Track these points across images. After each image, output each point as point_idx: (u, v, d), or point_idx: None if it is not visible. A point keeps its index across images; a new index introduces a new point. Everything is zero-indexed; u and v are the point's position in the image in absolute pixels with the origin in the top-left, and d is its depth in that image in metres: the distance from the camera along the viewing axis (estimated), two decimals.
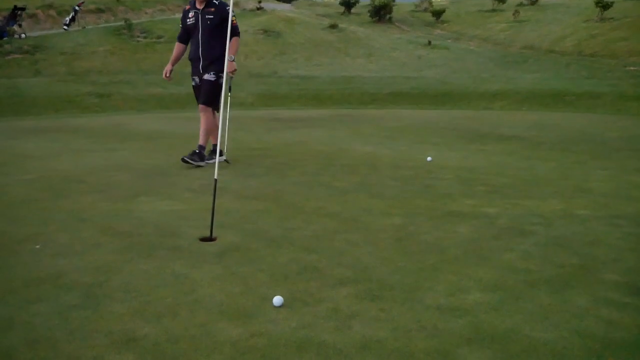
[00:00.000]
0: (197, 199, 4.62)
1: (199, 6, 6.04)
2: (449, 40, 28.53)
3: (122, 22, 23.65)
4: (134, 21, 24.35)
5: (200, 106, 6.14)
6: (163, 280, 2.90)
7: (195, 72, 6.22)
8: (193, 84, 6.34)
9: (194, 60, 6.18)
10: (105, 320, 2.44)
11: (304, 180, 5.41)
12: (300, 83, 18.90)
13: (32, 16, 24.53)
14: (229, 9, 5.67)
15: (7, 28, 21.54)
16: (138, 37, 22.96)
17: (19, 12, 22.24)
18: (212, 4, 6.05)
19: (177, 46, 6.40)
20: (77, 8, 24.76)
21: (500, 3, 36.31)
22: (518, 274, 3.03)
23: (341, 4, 37.66)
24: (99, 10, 26.65)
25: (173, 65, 6.37)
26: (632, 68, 20.33)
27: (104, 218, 4.05)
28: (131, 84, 17.33)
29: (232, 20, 5.61)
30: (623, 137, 8.86)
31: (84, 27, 24.28)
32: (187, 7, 6.22)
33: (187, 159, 5.99)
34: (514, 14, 32.18)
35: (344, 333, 2.35)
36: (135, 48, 21.81)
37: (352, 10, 36.21)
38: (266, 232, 3.74)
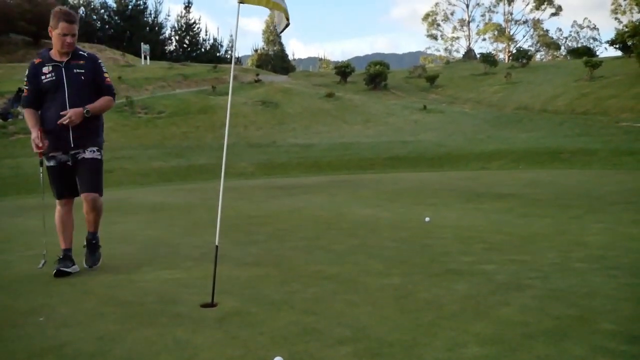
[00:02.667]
0: (198, 267, 4.69)
1: (61, 58, 4.54)
2: (444, 104, 29.17)
3: (124, 100, 24.28)
4: (135, 98, 25.00)
5: (90, 196, 4.61)
6: (165, 346, 2.94)
7: (58, 146, 4.54)
8: (52, 163, 4.61)
9: (56, 130, 4.49)
10: None
11: (303, 245, 5.48)
12: (299, 151, 19.21)
13: None
14: (101, 62, 4.74)
15: (11, 110, 22.14)
16: (139, 113, 23.52)
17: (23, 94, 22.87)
18: (79, 56, 4.60)
19: (30, 114, 4.59)
20: None
21: (492, 66, 37.35)
22: (515, 327, 3.07)
23: (337, 73, 38.76)
24: None
25: (40, 129, 4.49)
26: (624, 124, 20.71)
27: (107, 289, 4.10)
28: (133, 158, 17.64)
29: (106, 78, 4.70)
30: (618, 191, 8.97)
31: None
32: (37, 60, 4.61)
33: (91, 265, 4.76)
34: (506, 77, 33.05)
35: None
36: (136, 124, 22.30)
37: (348, 79, 37.20)
38: (266, 297, 3.79)
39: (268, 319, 3.33)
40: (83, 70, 4.55)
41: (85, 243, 4.88)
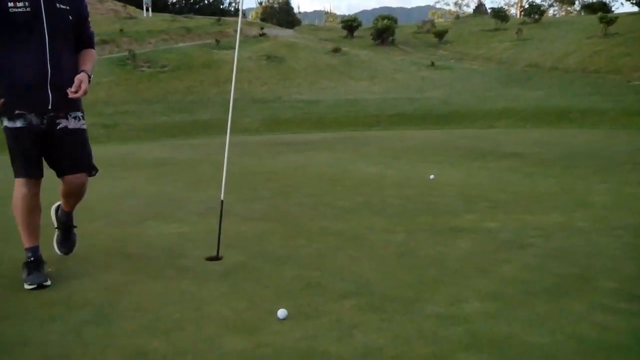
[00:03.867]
0: (203, 221, 4.73)
1: None
2: (452, 61, 28.77)
3: (126, 53, 24.04)
4: (137, 51, 24.72)
5: (79, 178, 3.52)
6: (171, 298, 3.00)
7: (29, 105, 3.20)
8: (19, 124, 3.19)
9: (30, 84, 3.17)
10: (116, 337, 2.53)
11: (308, 202, 5.51)
12: (305, 107, 19.10)
13: None
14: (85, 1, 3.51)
15: None
16: (142, 67, 23.30)
17: None
18: None
19: None
20: None
21: (503, 22, 36.62)
22: (516, 284, 3.11)
23: (343, 27, 38.13)
24: (103, 42, 27.03)
25: None
26: (636, 83, 20.42)
27: (113, 242, 4.16)
28: (136, 113, 17.59)
29: (89, 23, 3.52)
30: (627, 152, 8.93)
31: None
32: None
33: (66, 251, 3.75)
34: (517, 33, 32.40)
35: (346, 342, 2.43)
36: (139, 78, 22.13)
37: (355, 34, 36.60)
38: (271, 252, 3.83)
39: (273, 273, 3.38)
40: (68, 7, 3.25)
41: (56, 224, 3.80)
